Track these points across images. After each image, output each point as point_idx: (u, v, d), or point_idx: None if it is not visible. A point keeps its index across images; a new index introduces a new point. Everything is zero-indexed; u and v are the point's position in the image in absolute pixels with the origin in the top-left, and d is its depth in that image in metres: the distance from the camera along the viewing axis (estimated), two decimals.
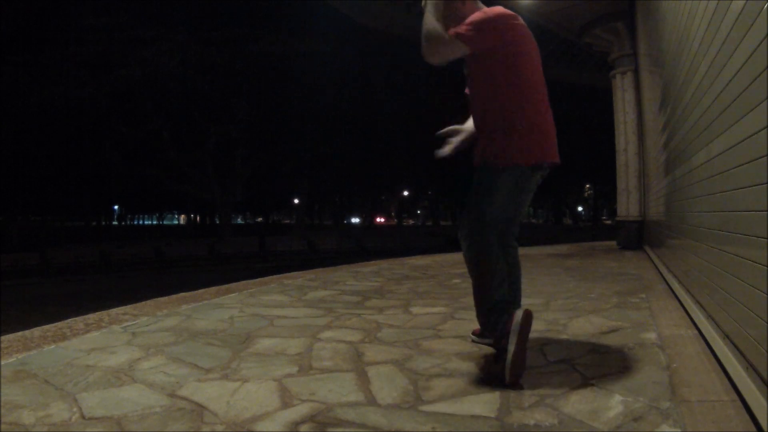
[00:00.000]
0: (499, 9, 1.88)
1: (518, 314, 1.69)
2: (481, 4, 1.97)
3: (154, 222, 66.40)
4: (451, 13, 1.93)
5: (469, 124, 2.10)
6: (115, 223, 56.98)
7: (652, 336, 2.27)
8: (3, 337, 2.33)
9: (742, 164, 1.56)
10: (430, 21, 1.84)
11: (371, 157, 34.88)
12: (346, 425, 1.38)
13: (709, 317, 2.19)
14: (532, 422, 1.38)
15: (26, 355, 2.07)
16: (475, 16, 1.85)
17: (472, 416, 1.44)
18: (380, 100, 31.41)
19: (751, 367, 1.48)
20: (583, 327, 2.49)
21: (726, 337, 1.83)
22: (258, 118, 26.26)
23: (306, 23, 25.30)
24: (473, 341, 2.13)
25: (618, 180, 8.66)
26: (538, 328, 2.22)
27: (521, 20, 1.90)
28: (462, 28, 1.82)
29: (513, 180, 1.87)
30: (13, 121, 22.90)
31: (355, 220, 60.95)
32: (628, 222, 8.35)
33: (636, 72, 8.12)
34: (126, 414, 1.47)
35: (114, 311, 2.99)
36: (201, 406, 1.52)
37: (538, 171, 1.91)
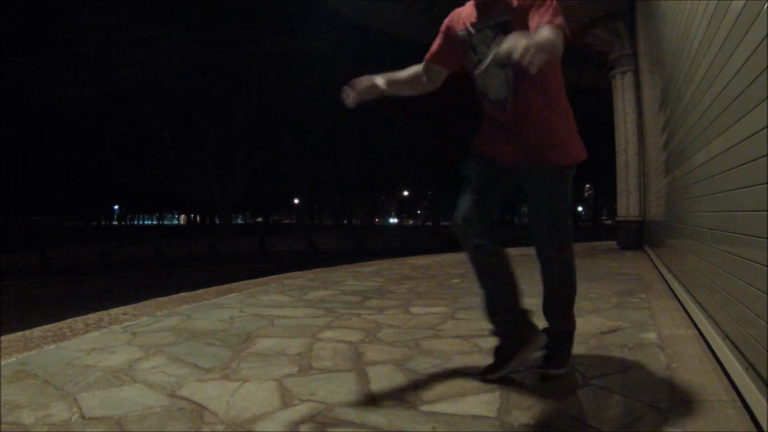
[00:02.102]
0: None
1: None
2: None
3: (154, 222, 66.43)
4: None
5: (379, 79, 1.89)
6: (115, 223, 56.99)
7: (652, 336, 2.27)
8: (3, 337, 2.33)
9: (742, 164, 1.56)
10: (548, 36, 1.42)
11: (371, 157, 34.86)
12: (346, 425, 1.38)
13: (709, 317, 2.19)
14: (532, 422, 1.38)
15: (26, 355, 2.07)
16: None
17: (472, 416, 1.44)
18: (380, 100, 31.39)
19: (751, 367, 1.48)
20: (583, 327, 2.48)
21: (726, 337, 1.83)
22: (258, 118, 26.25)
23: (306, 23, 25.28)
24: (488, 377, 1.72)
25: (618, 180, 8.66)
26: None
27: None
28: (560, 19, 1.49)
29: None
30: (13, 121, 22.88)
31: (393, 220, 60.31)
32: (628, 222, 8.35)
33: (636, 72, 8.11)
34: (126, 414, 1.47)
35: (114, 311, 2.99)
36: (201, 406, 1.52)
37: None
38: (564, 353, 1.76)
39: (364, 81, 1.86)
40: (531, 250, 1.92)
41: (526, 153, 1.68)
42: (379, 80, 1.87)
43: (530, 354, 1.75)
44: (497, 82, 1.69)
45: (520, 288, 1.75)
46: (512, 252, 1.92)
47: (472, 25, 1.71)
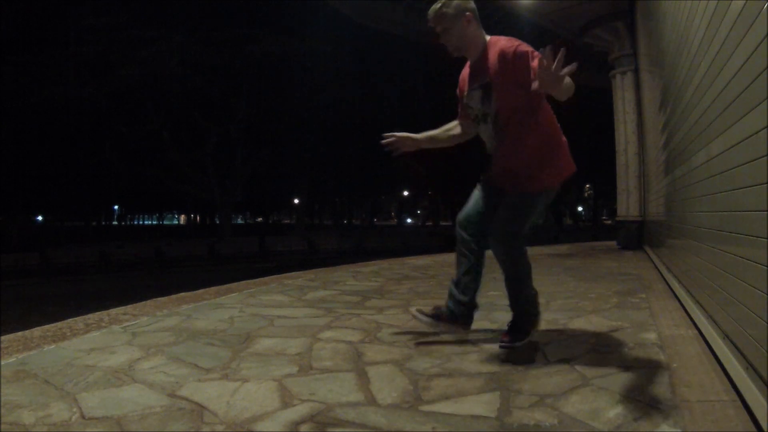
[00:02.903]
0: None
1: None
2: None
3: (154, 222, 66.41)
4: (471, 32, 2.06)
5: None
6: (115, 223, 57.00)
7: (652, 336, 2.27)
8: (3, 337, 2.33)
9: (742, 164, 1.56)
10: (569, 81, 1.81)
11: (371, 157, 34.87)
12: (346, 425, 1.38)
13: (709, 317, 2.19)
14: (532, 422, 1.38)
15: (26, 355, 2.07)
16: (526, 47, 1.92)
17: (472, 416, 1.44)
18: (380, 100, 31.41)
19: (751, 367, 1.48)
20: (583, 327, 2.49)
21: (726, 337, 1.83)
22: (258, 118, 26.26)
23: (306, 23, 25.30)
24: (507, 347, 2.04)
25: (618, 180, 8.66)
26: (538, 328, 2.24)
27: None
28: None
29: (548, 196, 2.16)
30: (13, 121, 22.88)
31: (409, 220, 60.84)
32: (628, 222, 8.35)
33: (636, 72, 8.12)
34: (126, 414, 1.47)
35: (114, 311, 2.99)
36: (201, 406, 1.52)
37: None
38: (520, 331, 2.09)
39: (403, 135, 2.30)
40: (528, 249, 2.17)
41: (506, 181, 2.12)
42: (418, 136, 2.32)
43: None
44: (487, 135, 2.14)
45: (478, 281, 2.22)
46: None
47: (466, 88, 2.17)
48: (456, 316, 2.20)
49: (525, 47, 1.91)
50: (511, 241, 2.06)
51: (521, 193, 2.06)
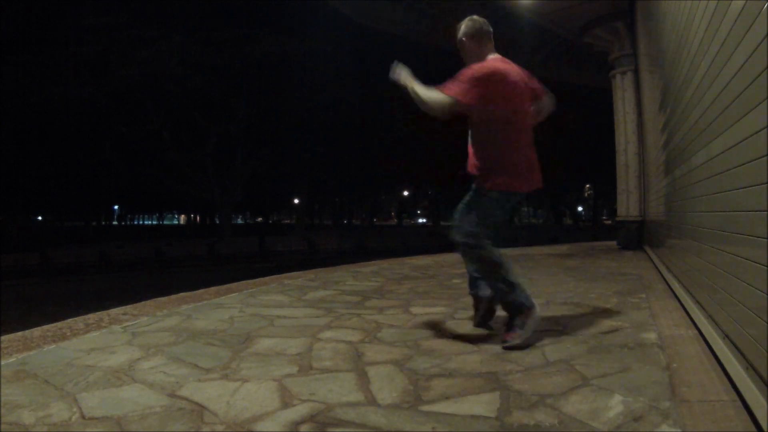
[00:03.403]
0: (489, 66, 2.24)
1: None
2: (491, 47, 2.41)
3: (154, 222, 66.41)
4: (472, 53, 2.38)
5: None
6: (115, 223, 56.99)
7: (652, 336, 2.27)
8: (3, 337, 2.33)
9: (742, 164, 1.56)
10: (421, 91, 2.24)
11: (371, 157, 34.88)
12: (346, 425, 1.39)
13: (709, 317, 2.19)
14: (532, 422, 1.38)
15: (26, 355, 2.07)
16: (467, 74, 2.20)
17: (472, 416, 1.44)
18: (380, 100, 31.39)
19: (751, 367, 1.48)
20: (583, 327, 2.49)
21: (726, 337, 1.84)
22: (258, 117, 26.24)
23: (306, 23, 25.28)
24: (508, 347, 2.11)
25: (618, 180, 8.66)
26: (538, 328, 2.23)
27: (511, 74, 2.25)
28: (454, 89, 2.18)
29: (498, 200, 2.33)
30: (13, 121, 22.86)
31: (421, 220, 61.38)
32: (628, 222, 8.35)
33: (636, 72, 8.11)
34: (126, 414, 1.47)
35: (114, 311, 2.99)
36: (201, 406, 1.52)
37: (514, 197, 2.33)
38: (515, 326, 2.16)
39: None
40: (529, 250, 2.12)
41: (474, 179, 2.37)
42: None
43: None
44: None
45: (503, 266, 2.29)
46: (515, 252, 2.07)
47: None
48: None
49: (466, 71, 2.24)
50: (465, 238, 2.22)
51: (476, 188, 2.32)
